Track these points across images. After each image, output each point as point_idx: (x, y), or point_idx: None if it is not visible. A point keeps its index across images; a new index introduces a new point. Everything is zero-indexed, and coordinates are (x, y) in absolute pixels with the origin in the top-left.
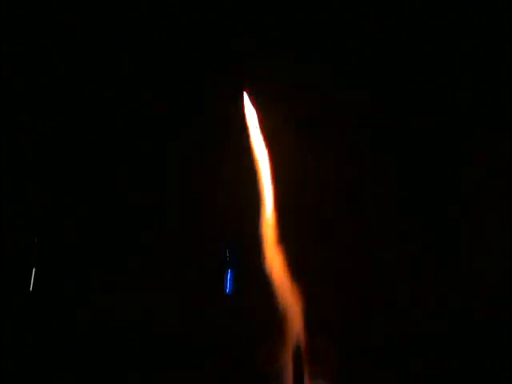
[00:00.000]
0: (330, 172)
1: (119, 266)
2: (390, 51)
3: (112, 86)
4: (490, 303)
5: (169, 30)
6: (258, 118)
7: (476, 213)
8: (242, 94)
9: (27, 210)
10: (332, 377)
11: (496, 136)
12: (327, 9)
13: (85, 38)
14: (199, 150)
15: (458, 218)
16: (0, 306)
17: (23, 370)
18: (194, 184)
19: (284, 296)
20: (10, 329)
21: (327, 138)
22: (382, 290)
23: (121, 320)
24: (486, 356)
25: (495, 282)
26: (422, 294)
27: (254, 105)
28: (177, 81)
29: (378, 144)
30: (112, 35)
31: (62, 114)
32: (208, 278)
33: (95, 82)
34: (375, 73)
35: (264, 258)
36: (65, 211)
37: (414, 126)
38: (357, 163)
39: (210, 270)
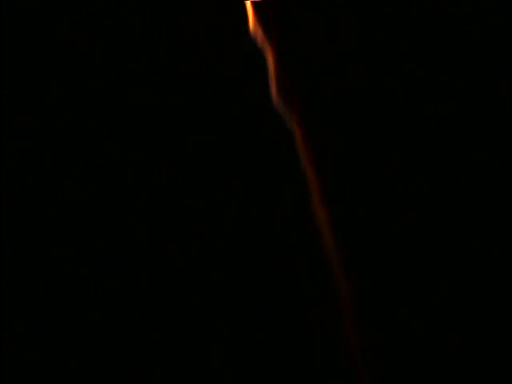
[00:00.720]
0: None
1: (120, 264)
2: (389, 50)
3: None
4: (489, 302)
5: None
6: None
7: (476, 212)
8: None
9: (27, 210)
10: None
11: (496, 135)
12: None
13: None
14: None
15: (457, 218)
16: (0, 306)
17: (23, 369)
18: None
19: None
20: (9, 329)
21: None
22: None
23: (120, 320)
24: (486, 355)
25: (495, 280)
26: (423, 293)
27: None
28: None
29: (377, 144)
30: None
31: (62, 113)
32: (209, 276)
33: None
34: (374, 72)
35: None
36: (64, 210)
37: (413, 125)
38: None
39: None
